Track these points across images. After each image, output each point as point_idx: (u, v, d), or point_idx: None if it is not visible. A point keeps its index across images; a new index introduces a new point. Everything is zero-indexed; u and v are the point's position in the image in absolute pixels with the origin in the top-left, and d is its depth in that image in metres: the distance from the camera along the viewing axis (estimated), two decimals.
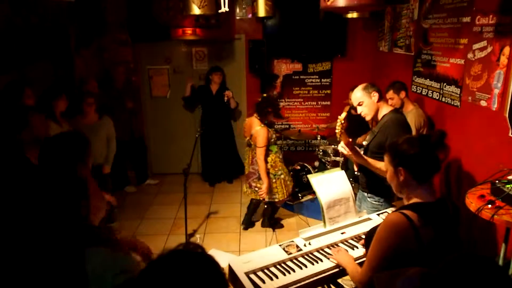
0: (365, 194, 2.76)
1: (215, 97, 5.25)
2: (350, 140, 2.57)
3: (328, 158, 4.73)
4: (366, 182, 2.74)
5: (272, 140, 3.95)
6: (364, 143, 2.73)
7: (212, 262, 0.94)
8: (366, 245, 1.73)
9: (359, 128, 4.22)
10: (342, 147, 2.62)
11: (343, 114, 2.48)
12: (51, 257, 1.26)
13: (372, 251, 1.58)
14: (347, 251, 2.10)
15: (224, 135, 5.50)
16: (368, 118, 2.69)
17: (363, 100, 2.63)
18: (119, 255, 1.37)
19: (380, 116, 2.67)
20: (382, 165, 2.50)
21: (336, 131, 2.50)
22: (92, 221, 1.46)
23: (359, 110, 2.68)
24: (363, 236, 2.17)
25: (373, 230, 1.65)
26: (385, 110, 2.66)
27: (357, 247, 2.18)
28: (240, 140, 5.87)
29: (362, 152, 2.70)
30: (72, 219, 1.35)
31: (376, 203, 2.69)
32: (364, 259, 1.89)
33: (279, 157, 4.05)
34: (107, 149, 4.08)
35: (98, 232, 1.44)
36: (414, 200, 1.60)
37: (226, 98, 5.12)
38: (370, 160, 2.58)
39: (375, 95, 2.62)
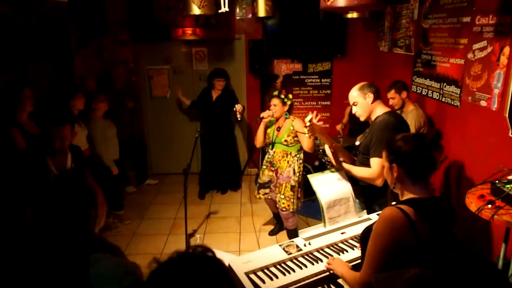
0: None
1: (215, 104, 4.92)
2: (334, 144, 2.66)
3: (328, 158, 4.72)
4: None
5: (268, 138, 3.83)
6: (357, 143, 2.75)
7: (222, 267, 0.93)
8: (362, 245, 1.70)
9: (360, 127, 4.21)
10: (327, 150, 2.69)
11: (309, 117, 2.51)
12: (55, 263, 1.27)
13: (371, 249, 1.54)
14: (340, 256, 2.07)
15: (223, 146, 5.15)
16: (362, 118, 2.67)
17: (357, 101, 2.62)
18: (121, 259, 1.38)
19: (373, 117, 2.62)
20: (357, 171, 2.52)
21: (305, 129, 2.54)
22: (94, 230, 1.45)
23: (354, 110, 2.69)
24: None
25: (368, 229, 1.63)
26: (379, 111, 2.60)
27: (357, 247, 2.18)
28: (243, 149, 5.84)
29: (355, 152, 2.73)
30: (80, 228, 1.36)
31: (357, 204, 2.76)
32: (359, 261, 1.87)
33: (266, 163, 3.84)
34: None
35: (99, 240, 1.44)
36: (410, 196, 1.60)
37: (239, 116, 4.44)
38: (347, 166, 2.58)
39: (370, 96, 2.57)
